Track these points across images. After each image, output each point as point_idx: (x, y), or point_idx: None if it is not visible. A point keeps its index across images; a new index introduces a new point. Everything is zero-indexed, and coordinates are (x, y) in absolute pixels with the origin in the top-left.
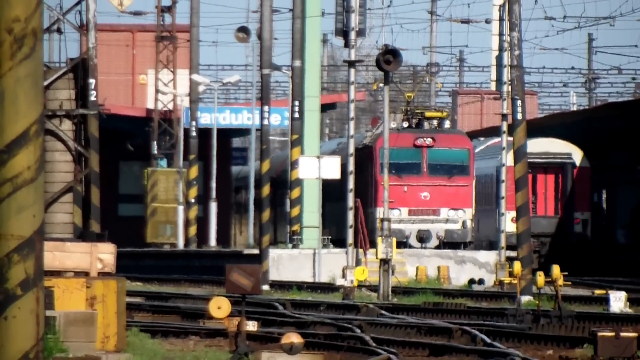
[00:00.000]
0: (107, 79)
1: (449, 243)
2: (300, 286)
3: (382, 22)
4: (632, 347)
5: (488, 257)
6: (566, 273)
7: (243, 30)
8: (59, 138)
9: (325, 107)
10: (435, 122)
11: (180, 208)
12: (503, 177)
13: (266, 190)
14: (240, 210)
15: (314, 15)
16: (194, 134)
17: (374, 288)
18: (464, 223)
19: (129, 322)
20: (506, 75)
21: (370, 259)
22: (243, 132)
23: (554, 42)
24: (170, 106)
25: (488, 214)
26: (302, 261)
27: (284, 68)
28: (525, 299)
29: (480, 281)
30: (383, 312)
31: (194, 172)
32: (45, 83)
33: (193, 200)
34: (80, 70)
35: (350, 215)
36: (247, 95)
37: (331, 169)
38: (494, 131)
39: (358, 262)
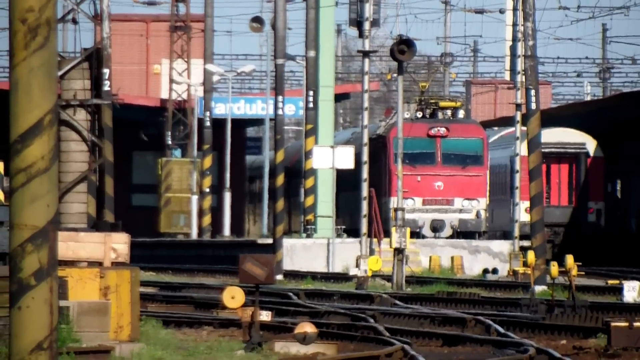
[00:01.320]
0: (121, 68)
1: (463, 233)
2: (314, 276)
3: (396, 12)
4: None
5: (502, 246)
6: (580, 263)
7: (257, 20)
8: (74, 128)
9: (339, 97)
10: (449, 112)
11: (194, 198)
12: (517, 167)
13: (280, 180)
14: (254, 200)
15: (328, 5)
16: (208, 124)
17: (387, 278)
18: (477, 213)
19: (142, 312)
20: (520, 65)
21: (384, 249)
22: (257, 122)
23: (568, 32)
24: (185, 96)
25: (502, 204)
26: (316, 251)
27: (298, 58)
28: (539, 288)
29: (494, 271)
30: (397, 302)
31: (208, 162)
32: (60, 73)
33: (207, 190)
34: (95, 60)
35: (364, 205)
36: (262, 85)
37: (345, 158)
38: (508, 121)
39: (372, 252)
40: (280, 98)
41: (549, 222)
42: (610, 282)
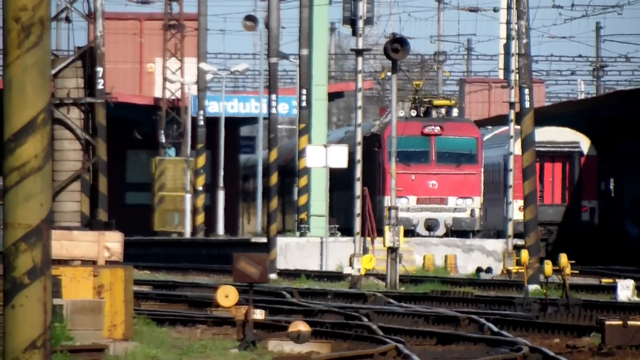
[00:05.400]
0: (114, 67)
1: (457, 231)
2: (308, 275)
3: (389, 10)
4: (639, 336)
5: (495, 245)
6: (573, 261)
7: (251, 18)
8: (67, 127)
9: (332, 96)
10: (443, 110)
11: (188, 196)
12: (510, 165)
13: (274, 178)
14: (248, 198)
15: (321, 3)
16: (201, 122)
17: (381, 276)
18: (472, 211)
19: (136, 311)
20: (514, 63)
21: (378, 248)
22: (251, 120)
23: (561, 31)
24: (178, 95)
25: (495, 203)
26: (309, 250)
27: (291, 57)
28: (532, 287)
29: (488, 270)
30: (390, 300)
31: (201, 160)
32: (53, 72)
33: (201, 189)
34: (88, 58)
35: (358, 204)
36: (255, 83)
37: (338, 157)
38: (502, 120)
39: (365, 251)
40: (273, 97)
41: (542, 221)
42: (604, 280)
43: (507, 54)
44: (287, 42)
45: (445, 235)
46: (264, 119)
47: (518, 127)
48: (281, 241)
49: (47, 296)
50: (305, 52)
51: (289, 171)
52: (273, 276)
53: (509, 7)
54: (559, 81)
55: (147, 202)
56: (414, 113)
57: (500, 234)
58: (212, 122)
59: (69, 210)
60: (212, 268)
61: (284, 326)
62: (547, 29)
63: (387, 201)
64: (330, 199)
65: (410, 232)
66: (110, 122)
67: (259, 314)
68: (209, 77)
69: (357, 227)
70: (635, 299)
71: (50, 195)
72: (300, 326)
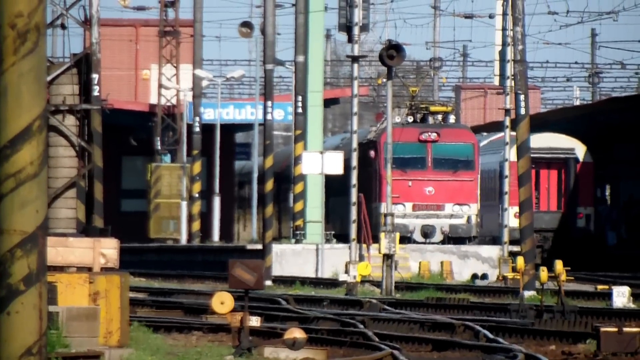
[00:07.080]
0: (110, 74)
1: (454, 238)
2: (304, 281)
3: (385, 17)
4: (635, 342)
5: (491, 252)
6: (569, 268)
7: (246, 25)
8: (62, 133)
9: (328, 103)
10: (440, 116)
11: (184, 203)
12: (506, 172)
13: (269, 185)
14: (244, 205)
15: (317, 10)
16: (197, 129)
17: (377, 283)
18: (468, 218)
19: (132, 318)
20: (509, 70)
21: (374, 254)
22: (246, 127)
23: (557, 37)
24: (174, 101)
25: (491, 209)
26: (305, 256)
27: (287, 63)
28: (528, 294)
29: (484, 276)
30: (386, 307)
31: (197, 167)
32: (49, 78)
33: (196, 196)
34: (84, 65)
35: (354, 210)
36: (251, 90)
37: (334, 164)
38: (497, 126)
39: (361, 258)
40: (269, 103)
41: (538, 228)
42: (600, 287)
43: (503, 60)
44: (282, 49)
45: (442, 242)
46: (260, 125)
47: (513, 133)
48: (277, 248)
49: (42, 303)
50: (300, 58)
51: (285, 178)
52: (268, 283)
53: (504, 14)
54: (554, 88)
55: (142, 209)
56: (410, 119)
57: (495, 240)
58: (207, 129)
59: (64, 216)
60: (208, 275)
61: (280, 333)
62: (542, 35)
63: (383, 208)
64: (326, 206)
65: (406, 239)
66: (105, 129)
67: (254, 321)
68: (204, 83)
69: (353, 233)
70: (631, 305)
71: (46, 202)
72: (295, 333)
